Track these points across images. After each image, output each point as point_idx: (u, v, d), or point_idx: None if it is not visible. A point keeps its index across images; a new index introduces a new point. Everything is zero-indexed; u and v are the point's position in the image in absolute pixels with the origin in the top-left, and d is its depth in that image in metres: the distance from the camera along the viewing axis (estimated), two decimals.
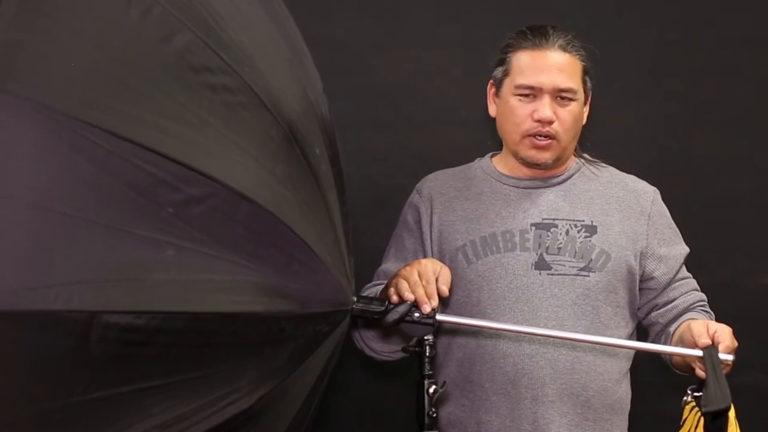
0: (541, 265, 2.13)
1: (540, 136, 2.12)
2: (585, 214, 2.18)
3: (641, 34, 2.78)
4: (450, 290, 1.95)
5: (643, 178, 2.30)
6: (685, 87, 2.69)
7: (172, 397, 1.43)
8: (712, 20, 2.78)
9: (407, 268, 1.96)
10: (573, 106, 2.13)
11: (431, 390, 1.82)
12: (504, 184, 2.23)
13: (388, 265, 2.24)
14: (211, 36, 1.51)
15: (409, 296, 1.85)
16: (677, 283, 2.23)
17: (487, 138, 2.68)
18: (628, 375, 2.23)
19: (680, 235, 2.27)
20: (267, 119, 1.58)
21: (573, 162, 2.25)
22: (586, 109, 2.21)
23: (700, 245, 2.26)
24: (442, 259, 2.15)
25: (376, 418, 2.73)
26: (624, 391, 2.20)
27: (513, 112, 2.14)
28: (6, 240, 1.27)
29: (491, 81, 2.24)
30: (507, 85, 2.16)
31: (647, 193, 2.24)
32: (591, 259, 2.14)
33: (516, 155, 2.20)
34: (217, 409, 1.49)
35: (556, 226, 2.16)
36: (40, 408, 1.30)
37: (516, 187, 2.21)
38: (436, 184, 2.28)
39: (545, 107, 2.10)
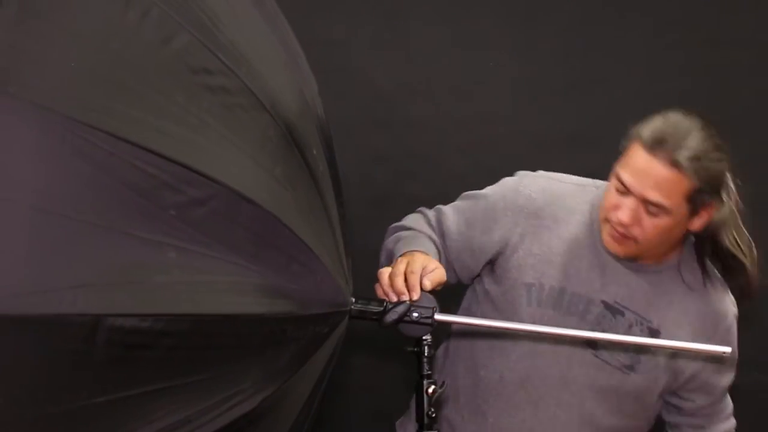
0: (591, 342, 2.07)
1: (617, 230, 2.00)
2: (656, 316, 2.08)
3: (641, 34, 2.78)
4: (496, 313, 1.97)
5: None
6: (685, 87, 2.69)
7: (176, 400, 1.42)
8: (712, 20, 2.77)
9: (400, 259, 1.91)
10: (662, 220, 1.95)
11: (430, 390, 1.82)
12: (602, 242, 2.07)
13: (450, 227, 2.16)
14: (208, 37, 1.51)
15: (391, 295, 1.81)
16: (715, 409, 2.19)
17: (486, 139, 2.70)
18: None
19: (735, 362, 2.19)
20: (265, 120, 1.58)
21: (673, 259, 2.11)
22: (700, 218, 2.00)
23: None
24: (500, 279, 2.10)
25: (376, 419, 2.73)
26: None
27: (607, 195, 2.02)
28: (9, 243, 1.26)
29: None
30: (617, 165, 2.00)
31: (727, 318, 2.13)
32: (640, 361, 2.08)
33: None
34: (221, 412, 1.49)
35: (623, 315, 2.07)
36: (46, 412, 1.30)
37: (608, 252, 2.07)
38: (541, 199, 2.12)
39: (625, 210, 1.96)
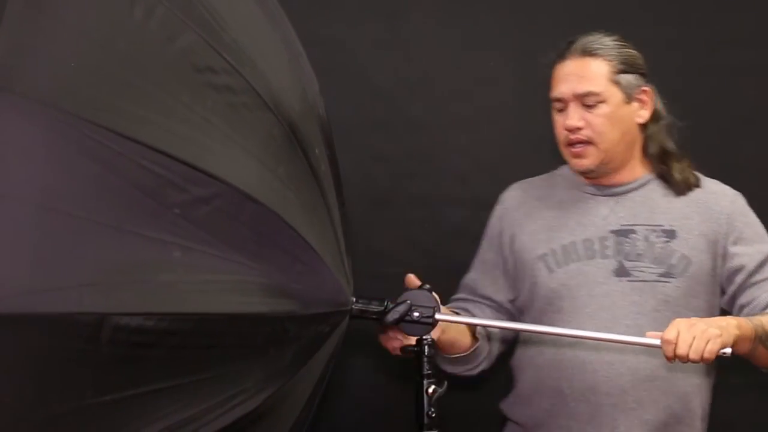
0: (621, 272, 2.13)
1: (574, 143, 2.13)
2: (664, 219, 2.16)
3: (640, 34, 2.78)
4: (534, 297, 2.11)
5: None
6: (685, 87, 2.69)
7: (179, 399, 1.43)
8: (712, 20, 2.78)
9: None
10: (603, 109, 2.10)
11: (430, 390, 1.82)
12: (584, 192, 2.22)
13: (471, 276, 2.28)
14: (213, 36, 1.51)
15: None
16: (763, 282, 2.16)
17: (486, 139, 2.70)
18: (710, 380, 2.19)
19: (766, 238, 2.21)
20: (269, 120, 1.59)
21: (645, 171, 2.21)
22: (643, 107, 2.17)
23: None
24: (522, 269, 2.19)
25: (376, 419, 2.73)
26: (705, 397, 2.17)
27: (555, 126, 2.17)
28: (15, 242, 1.26)
29: None
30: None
31: (727, 195, 2.21)
32: (671, 265, 2.12)
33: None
34: (225, 411, 1.49)
35: (635, 232, 2.15)
36: (51, 411, 1.30)
37: (594, 194, 2.20)
38: (517, 194, 2.29)
39: (569, 115, 2.11)
